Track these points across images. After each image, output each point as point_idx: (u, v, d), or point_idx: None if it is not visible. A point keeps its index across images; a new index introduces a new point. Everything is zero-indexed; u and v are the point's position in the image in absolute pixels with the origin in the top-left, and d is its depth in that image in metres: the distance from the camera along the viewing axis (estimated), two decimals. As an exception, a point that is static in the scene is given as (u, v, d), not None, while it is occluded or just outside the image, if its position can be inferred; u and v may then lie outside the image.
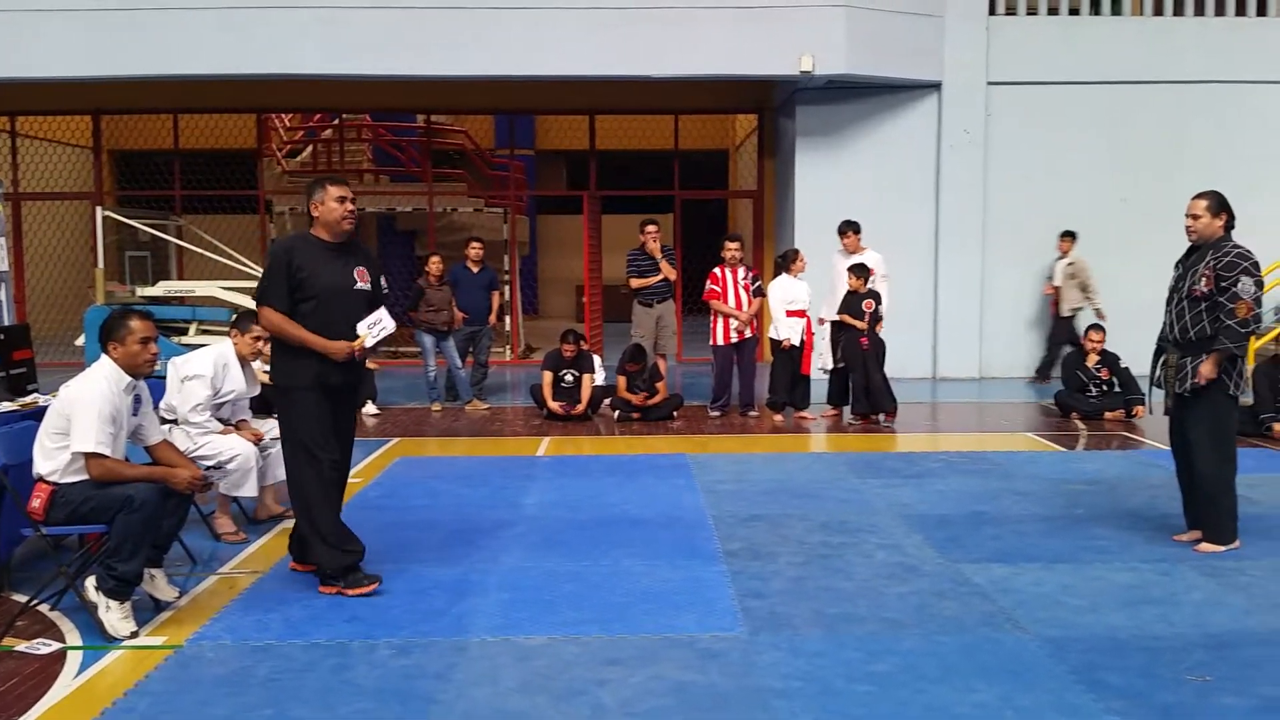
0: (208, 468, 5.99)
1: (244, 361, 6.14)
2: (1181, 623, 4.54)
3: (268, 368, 9.79)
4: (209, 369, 5.94)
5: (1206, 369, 5.36)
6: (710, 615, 4.67)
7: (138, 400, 4.85)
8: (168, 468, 4.76)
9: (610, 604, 4.83)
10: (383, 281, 5.36)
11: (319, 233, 5.04)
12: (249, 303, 13.67)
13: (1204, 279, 5.39)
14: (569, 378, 10.22)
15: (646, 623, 4.58)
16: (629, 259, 10.85)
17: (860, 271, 9.80)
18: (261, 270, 5.06)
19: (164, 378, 6.08)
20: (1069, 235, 12.78)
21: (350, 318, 5.03)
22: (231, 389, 6.05)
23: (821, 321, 10.38)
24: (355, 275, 5.08)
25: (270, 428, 6.32)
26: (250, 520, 6.34)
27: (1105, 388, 10.31)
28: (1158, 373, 5.73)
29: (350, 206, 5.03)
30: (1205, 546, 5.58)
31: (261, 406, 6.60)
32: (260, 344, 6.08)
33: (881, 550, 5.68)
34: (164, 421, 5.99)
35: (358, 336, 5.02)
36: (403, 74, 12.64)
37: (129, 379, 4.73)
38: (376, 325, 5.10)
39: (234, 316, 6.27)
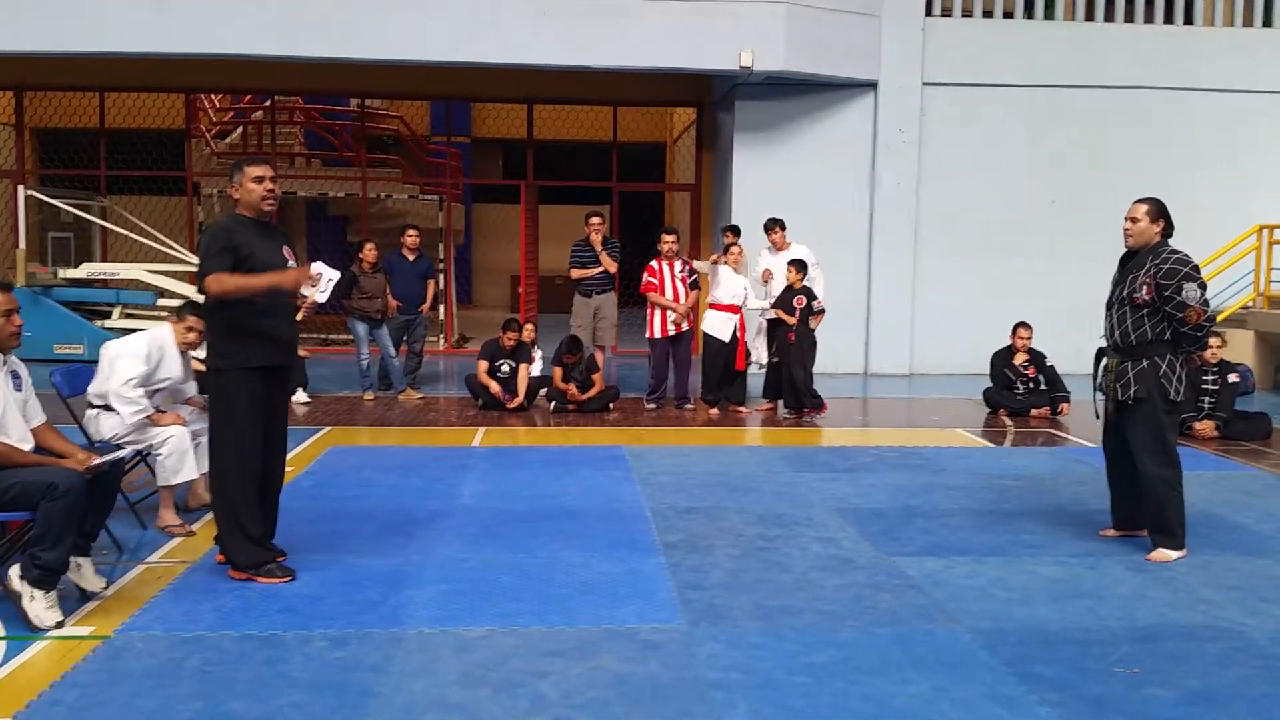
0: (136, 453, 5.88)
1: (181, 351, 6.01)
2: (1109, 616, 4.64)
3: (195, 354, 9.67)
4: (143, 348, 5.83)
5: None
6: (649, 607, 4.68)
7: (16, 376, 4.74)
8: (56, 458, 4.64)
9: (549, 595, 4.81)
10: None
11: (243, 212, 5.01)
12: (176, 286, 13.45)
13: (1145, 287, 5.40)
14: (505, 368, 10.16)
15: (586, 614, 4.57)
16: (573, 249, 10.81)
17: (799, 267, 9.87)
18: (200, 251, 4.94)
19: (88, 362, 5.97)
20: (732, 230, 12.83)
21: (287, 294, 5.07)
22: (166, 376, 5.92)
23: (773, 294, 10.39)
24: (284, 253, 5.09)
25: (195, 415, 6.19)
26: (181, 509, 6.20)
27: (1032, 385, 10.52)
28: (1099, 377, 5.81)
29: (270, 186, 4.99)
30: (1161, 554, 5.47)
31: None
32: (191, 335, 5.96)
33: (817, 543, 5.73)
34: (94, 407, 5.87)
35: (299, 306, 5.00)
36: (336, 56, 12.44)
37: None
38: (322, 278, 5.06)
39: (181, 306, 6.15)
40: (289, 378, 5.34)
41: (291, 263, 5.11)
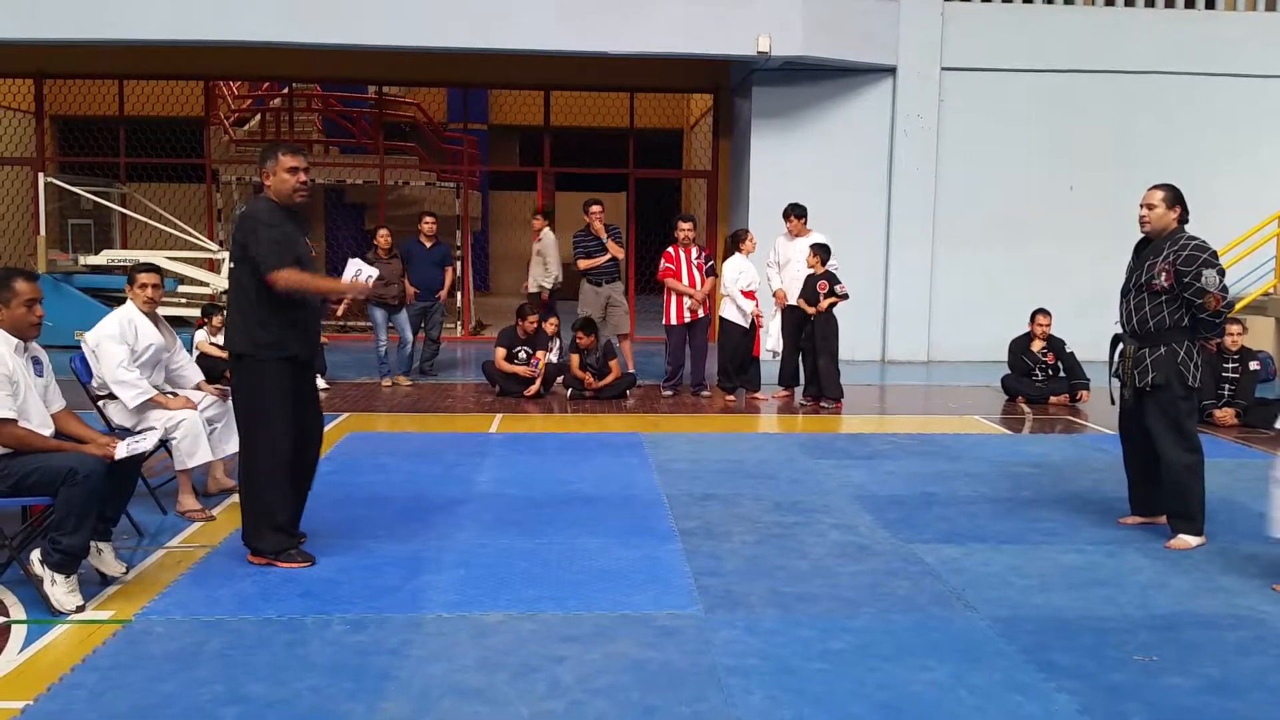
0: (159, 441, 5.91)
1: (151, 317, 6.02)
2: (1127, 604, 4.63)
3: (214, 339, 9.70)
4: (115, 328, 5.85)
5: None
6: (666, 593, 4.68)
7: (37, 362, 4.78)
8: (77, 443, 4.66)
9: (566, 581, 4.82)
10: None
11: (275, 199, 4.99)
12: (196, 272, 13.51)
13: (1164, 273, 5.36)
14: (522, 354, 10.17)
15: (602, 600, 4.58)
16: (575, 240, 10.73)
17: (820, 251, 9.80)
18: (254, 238, 4.83)
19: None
20: (542, 215, 12.73)
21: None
22: (148, 344, 5.91)
23: (779, 302, 10.33)
24: (308, 242, 5.14)
25: (210, 401, 6.21)
26: (201, 494, 6.24)
27: (1050, 372, 10.46)
28: (1115, 363, 5.77)
29: (303, 177, 5.00)
30: (1180, 541, 5.45)
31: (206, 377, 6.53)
32: (147, 291, 5.96)
33: (834, 530, 5.73)
34: (99, 398, 5.91)
35: (336, 302, 5.08)
36: (354, 43, 12.44)
37: (19, 341, 4.63)
38: (359, 275, 5.10)
39: (132, 268, 6.16)
40: (313, 365, 5.36)
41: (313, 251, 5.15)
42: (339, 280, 5.04)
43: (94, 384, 5.93)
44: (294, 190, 4.96)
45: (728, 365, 10.14)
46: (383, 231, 10.88)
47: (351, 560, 5.06)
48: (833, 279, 9.77)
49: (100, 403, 5.93)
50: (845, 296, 9.81)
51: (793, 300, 10.04)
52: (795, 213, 10.26)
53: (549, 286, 12.40)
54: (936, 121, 13.39)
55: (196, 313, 11.73)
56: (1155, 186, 5.54)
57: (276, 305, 4.87)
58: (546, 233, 12.55)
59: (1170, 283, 5.36)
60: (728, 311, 10.05)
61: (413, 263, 10.98)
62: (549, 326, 10.40)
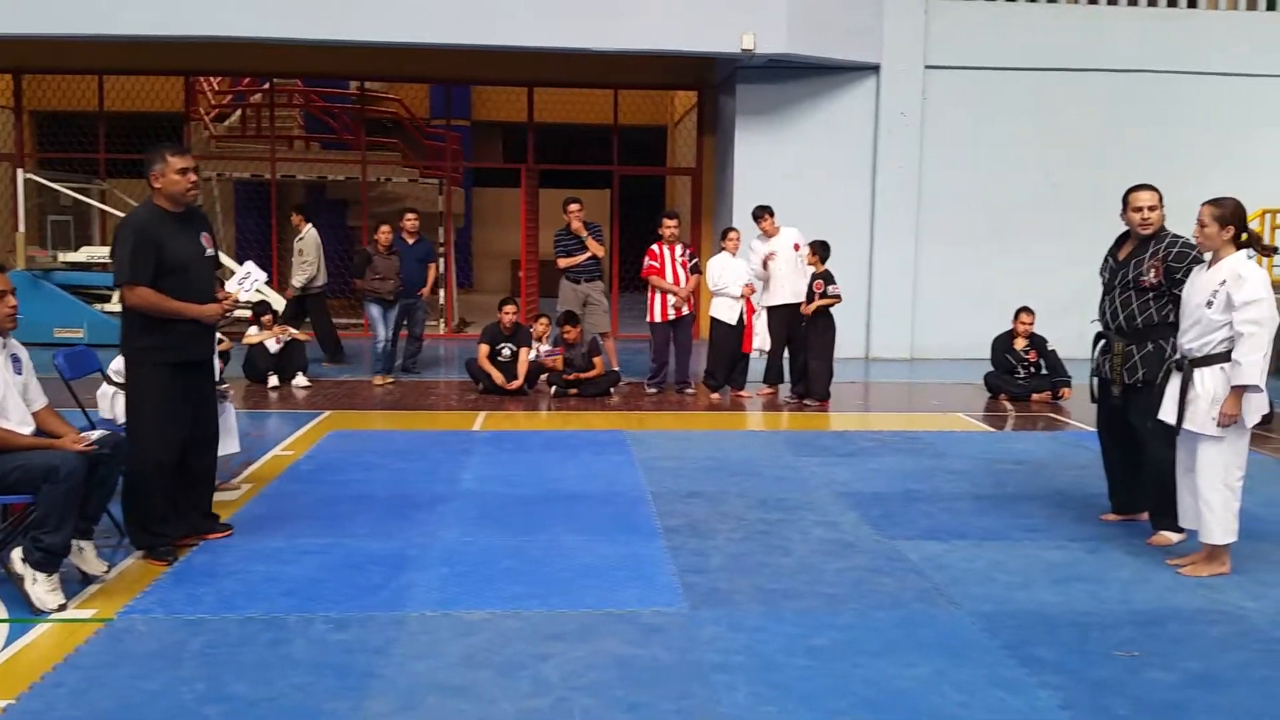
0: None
1: None
2: (1110, 600, 4.66)
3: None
4: None
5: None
6: (651, 590, 4.69)
7: (16, 360, 4.75)
8: (53, 439, 4.64)
9: (550, 579, 4.82)
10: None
11: (161, 204, 5.04)
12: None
13: (1153, 270, 5.41)
14: (506, 351, 10.14)
15: (587, 598, 4.58)
16: (556, 239, 10.67)
17: (820, 249, 9.79)
18: (116, 247, 4.97)
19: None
20: (301, 210, 12.36)
21: (206, 284, 5.09)
22: None
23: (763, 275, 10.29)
24: (203, 242, 5.15)
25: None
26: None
27: (1033, 370, 10.51)
28: (1098, 360, 5.77)
29: (193, 178, 5.07)
30: (1162, 538, 5.50)
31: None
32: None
33: (819, 527, 5.74)
34: (109, 384, 5.92)
35: (222, 299, 5.05)
36: (335, 39, 12.37)
37: None
38: (247, 279, 5.09)
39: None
40: (210, 370, 5.34)
41: (211, 251, 5.14)
42: (200, 306, 4.98)
43: (114, 369, 5.94)
44: (185, 191, 5.03)
45: (717, 366, 10.12)
46: (384, 228, 10.85)
47: (334, 559, 5.05)
48: (829, 279, 9.75)
49: (110, 390, 5.96)
50: (837, 298, 9.79)
51: (782, 297, 10.00)
52: (769, 212, 10.23)
53: (299, 287, 11.86)
54: (920, 119, 13.42)
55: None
56: (1148, 188, 5.53)
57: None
58: (309, 230, 12.02)
59: (1159, 279, 5.39)
60: (717, 310, 10.05)
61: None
62: (539, 327, 10.37)
